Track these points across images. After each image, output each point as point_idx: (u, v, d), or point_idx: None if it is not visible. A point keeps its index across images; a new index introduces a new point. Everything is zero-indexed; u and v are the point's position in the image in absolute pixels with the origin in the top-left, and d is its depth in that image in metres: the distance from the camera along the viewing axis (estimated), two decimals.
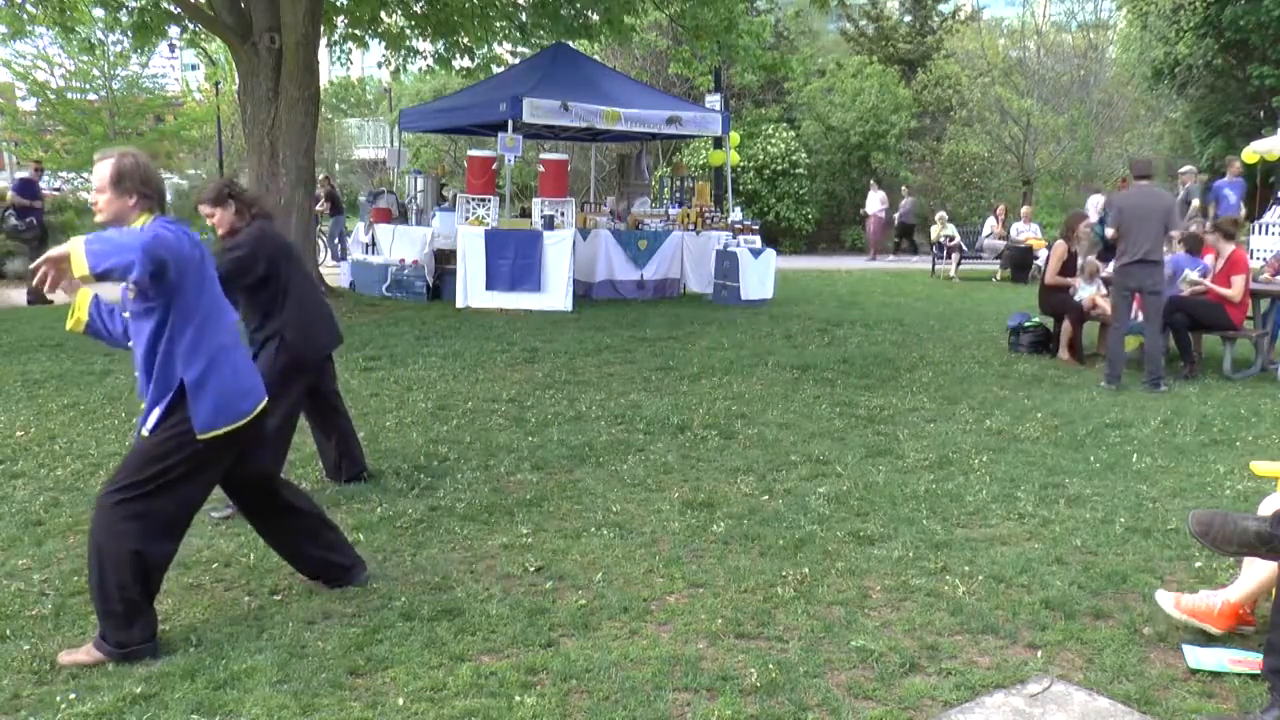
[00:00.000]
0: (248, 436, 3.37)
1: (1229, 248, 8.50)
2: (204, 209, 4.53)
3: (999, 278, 17.58)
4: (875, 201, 22.30)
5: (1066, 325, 9.07)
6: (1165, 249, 8.00)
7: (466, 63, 15.47)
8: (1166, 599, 3.50)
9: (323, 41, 13.32)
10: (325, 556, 3.75)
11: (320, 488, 4.99)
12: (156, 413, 3.23)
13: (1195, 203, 14.57)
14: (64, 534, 4.36)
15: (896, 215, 22.71)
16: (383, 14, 14.16)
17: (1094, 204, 17.38)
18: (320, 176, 16.73)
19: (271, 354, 4.56)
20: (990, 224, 18.68)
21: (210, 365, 3.23)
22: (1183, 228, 8.33)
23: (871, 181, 23.02)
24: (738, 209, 14.87)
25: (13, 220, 13.85)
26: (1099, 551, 4.25)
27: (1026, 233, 17.83)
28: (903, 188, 23.09)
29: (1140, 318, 8.24)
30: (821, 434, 6.22)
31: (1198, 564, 4.12)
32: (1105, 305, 8.76)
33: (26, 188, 14.34)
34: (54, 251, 3.00)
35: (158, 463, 3.21)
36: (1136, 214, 7.77)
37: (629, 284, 13.26)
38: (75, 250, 2.95)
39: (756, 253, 12.87)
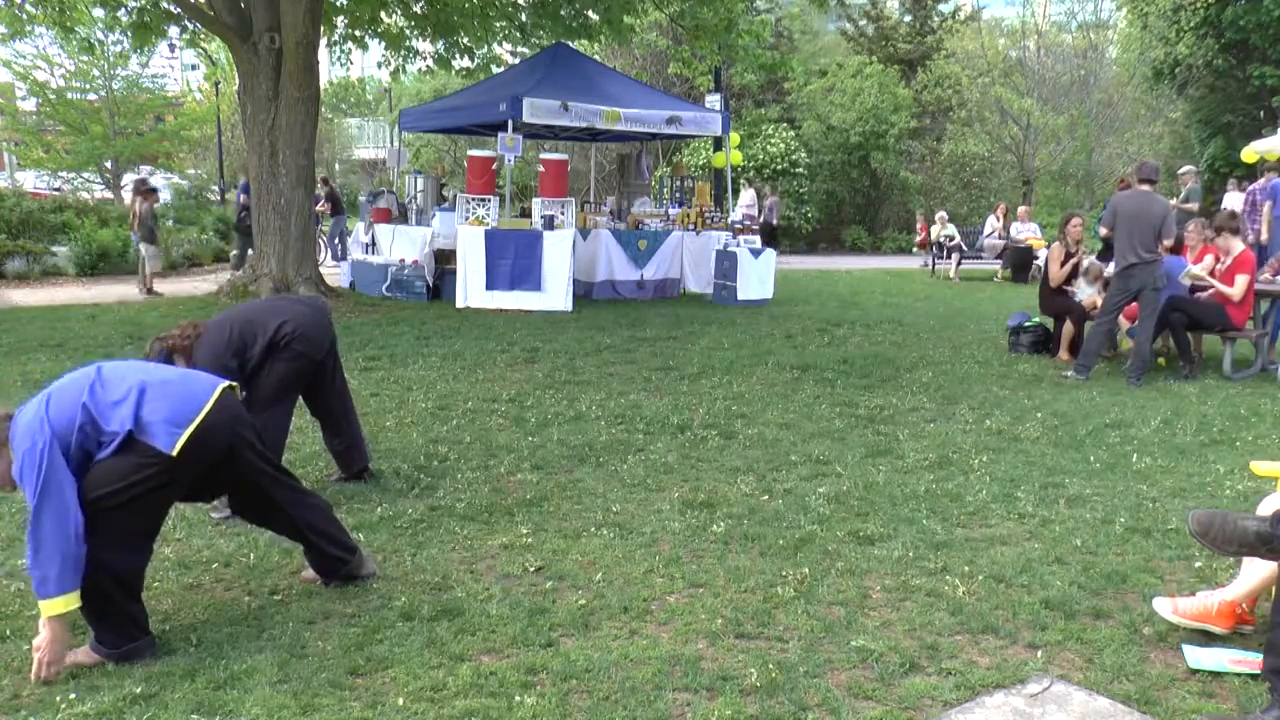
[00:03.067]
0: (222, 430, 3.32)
1: (1238, 246, 8.48)
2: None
3: (999, 277, 17.59)
4: (745, 199, 21.80)
5: (1068, 325, 9.07)
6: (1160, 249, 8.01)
7: (466, 63, 15.47)
8: (1164, 605, 3.50)
9: (323, 41, 13.33)
10: (327, 549, 3.73)
11: (320, 488, 4.99)
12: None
13: (1193, 205, 14.54)
14: None
15: (761, 215, 22.26)
16: (383, 14, 14.17)
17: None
18: (320, 177, 16.76)
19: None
20: (991, 223, 18.61)
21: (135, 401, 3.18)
22: (1177, 234, 8.31)
23: (744, 181, 22.22)
24: (738, 208, 14.87)
25: (245, 218, 14.81)
26: (1099, 551, 4.25)
27: (1026, 232, 17.81)
28: (766, 187, 22.33)
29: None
30: (821, 434, 6.22)
31: (1198, 564, 4.12)
32: None
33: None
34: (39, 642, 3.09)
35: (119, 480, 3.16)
36: (1130, 216, 7.79)
37: (629, 284, 13.27)
38: (44, 607, 3.04)
39: (756, 253, 12.88)
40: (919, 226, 21.07)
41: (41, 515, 3.02)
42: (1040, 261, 16.37)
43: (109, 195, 25.52)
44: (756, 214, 20.71)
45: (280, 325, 4.62)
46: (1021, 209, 19.27)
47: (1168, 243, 8.00)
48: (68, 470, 3.08)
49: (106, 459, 3.15)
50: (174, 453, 3.15)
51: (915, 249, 21.95)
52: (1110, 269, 9.34)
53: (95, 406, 3.16)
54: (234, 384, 3.51)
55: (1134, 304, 8.09)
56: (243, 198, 14.91)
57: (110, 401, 3.18)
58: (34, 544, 3.02)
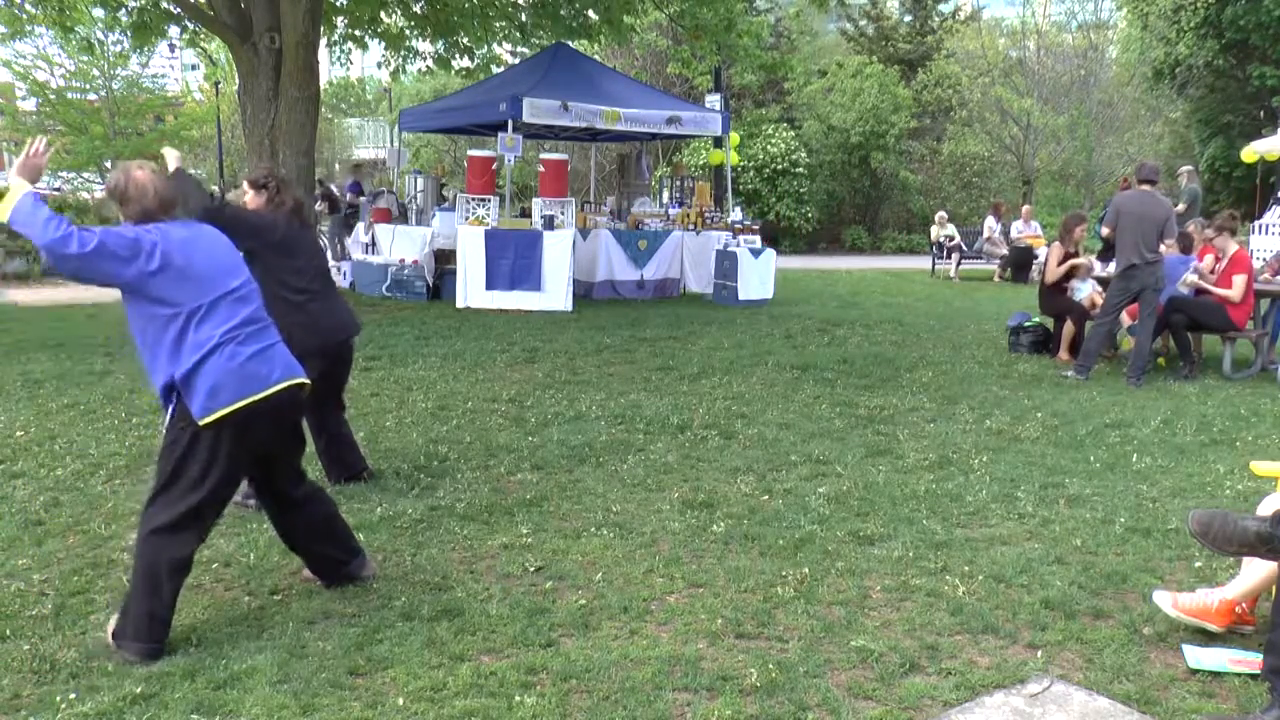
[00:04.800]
0: (265, 419, 3.35)
1: (1232, 247, 8.49)
2: (244, 186, 4.86)
3: (999, 277, 17.55)
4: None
5: (1068, 325, 9.06)
6: (1162, 249, 8.00)
7: (466, 63, 15.46)
8: (1164, 599, 3.50)
9: (323, 41, 13.32)
10: (330, 553, 3.76)
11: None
12: (166, 412, 3.35)
13: (1182, 206, 14.52)
14: (64, 534, 4.36)
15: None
16: (382, 14, 14.16)
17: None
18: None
19: None
20: (989, 224, 18.39)
21: (203, 359, 3.23)
22: (1177, 232, 8.31)
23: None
24: (738, 209, 14.87)
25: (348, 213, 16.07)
26: (1099, 551, 4.25)
27: (1027, 232, 17.70)
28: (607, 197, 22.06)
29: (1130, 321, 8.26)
30: (821, 434, 6.22)
31: (1198, 564, 4.12)
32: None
33: (356, 187, 17.77)
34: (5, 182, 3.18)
35: (169, 459, 3.30)
36: (1133, 217, 7.79)
37: (629, 284, 13.26)
38: (10, 197, 3.16)
39: (756, 253, 12.87)
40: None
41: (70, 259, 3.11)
42: (1040, 261, 16.37)
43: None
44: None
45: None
46: (1025, 208, 19.00)
47: (1169, 242, 8.01)
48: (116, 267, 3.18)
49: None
50: (206, 421, 3.22)
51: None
52: (1101, 267, 9.36)
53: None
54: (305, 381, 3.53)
55: (1135, 304, 8.09)
56: (349, 195, 16.52)
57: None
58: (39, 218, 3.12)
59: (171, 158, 4.19)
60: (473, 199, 12.16)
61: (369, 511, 4.65)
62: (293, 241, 4.75)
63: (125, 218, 3.34)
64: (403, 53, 15.36)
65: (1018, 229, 17.92)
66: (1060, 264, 9.24)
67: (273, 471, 3.63)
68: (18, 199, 3.16)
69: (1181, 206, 14.19)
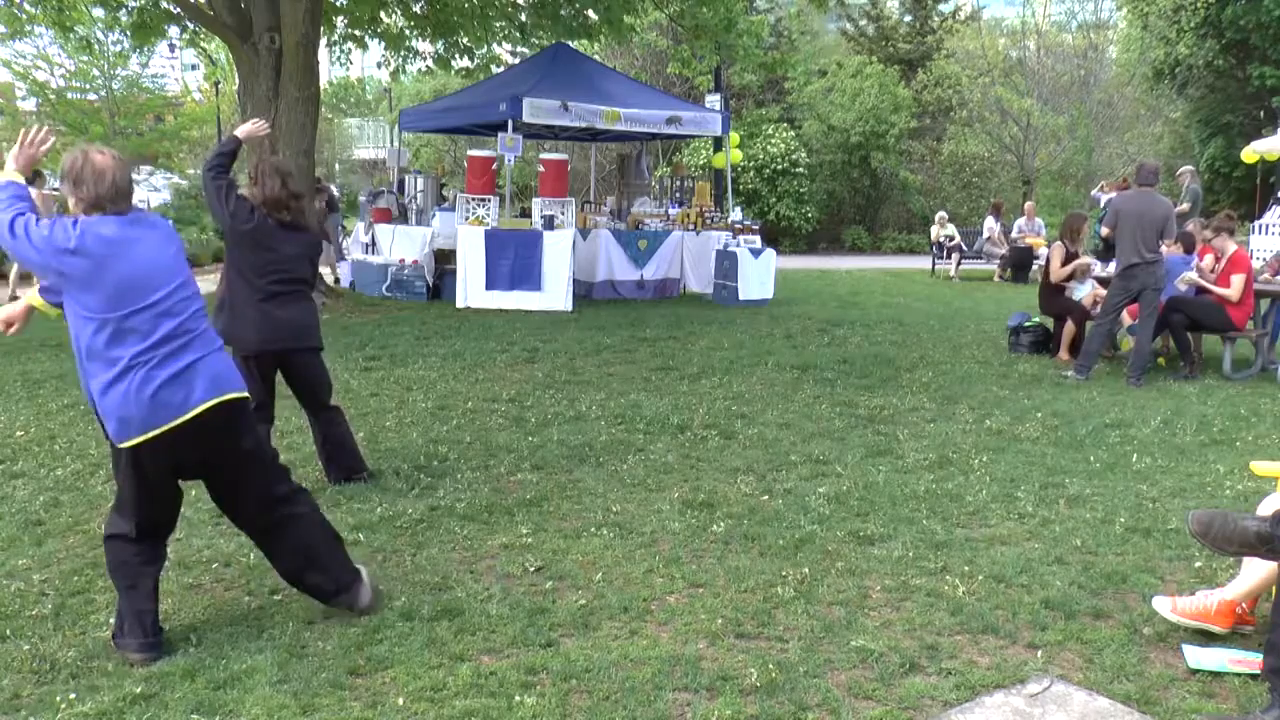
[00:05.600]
0: (188, 441, 3.18)
1: (1231, 247, 8.48)
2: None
3: (999, 277, 17.54)
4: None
5: (1068, 325, 9.06)
6: (1163, 248, 8.00)
7: (466, 63, 15.46)
8: (1164, 604, 3.50)
9: (323, 41, 13.32)
10: (316, 583, 3.52)
11: (320, 488, 4.98)
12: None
13: (1184, 206, 14.52)
14: (64, 534, 4.36)
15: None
16: (382, 14, 14.15)
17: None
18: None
19: None
20: (989, 225, 18.33)
21: (111, 382, 3.11)
22: (1176, 232, 8.31)
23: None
24: (738, 209, 14.87)
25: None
26: (1099, 551, 4.25)
27: (1029, 232, 17.59)
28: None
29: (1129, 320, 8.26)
30: (821, 434, 6.22)
31: (1198, 564, 4.12)
32: None
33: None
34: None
35: (114, 472, 3.33)
36: (1133, 217, 7.79)
37: (629, 284, 13.26)
38: None
39: (756, 253, 12.87)
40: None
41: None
42: (1041, 262, 16.35)
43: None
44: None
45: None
46: (1028, 205, 18.75)
47: (1169, 241, 8.00)
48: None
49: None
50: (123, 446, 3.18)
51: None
52: (1101, 267, 9.36)
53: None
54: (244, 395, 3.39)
55: (1135, 303, 8.08)
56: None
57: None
58: None
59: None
60: (473, 199, 12.16)
61: (369, 511, 4.65)
62: (262, 236, 4.65)
63: (75, 201, 3.18)
64: (403, 53, 15.36)
65: (1020, 227, 17.83)
66: (1064, 264, 9.23)
67: (228, 495, 3.44)
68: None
69: (1185, 206, 14.18)
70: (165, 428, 3.13)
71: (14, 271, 12.82)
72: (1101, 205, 16.15)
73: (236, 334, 4.69)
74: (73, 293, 3.12)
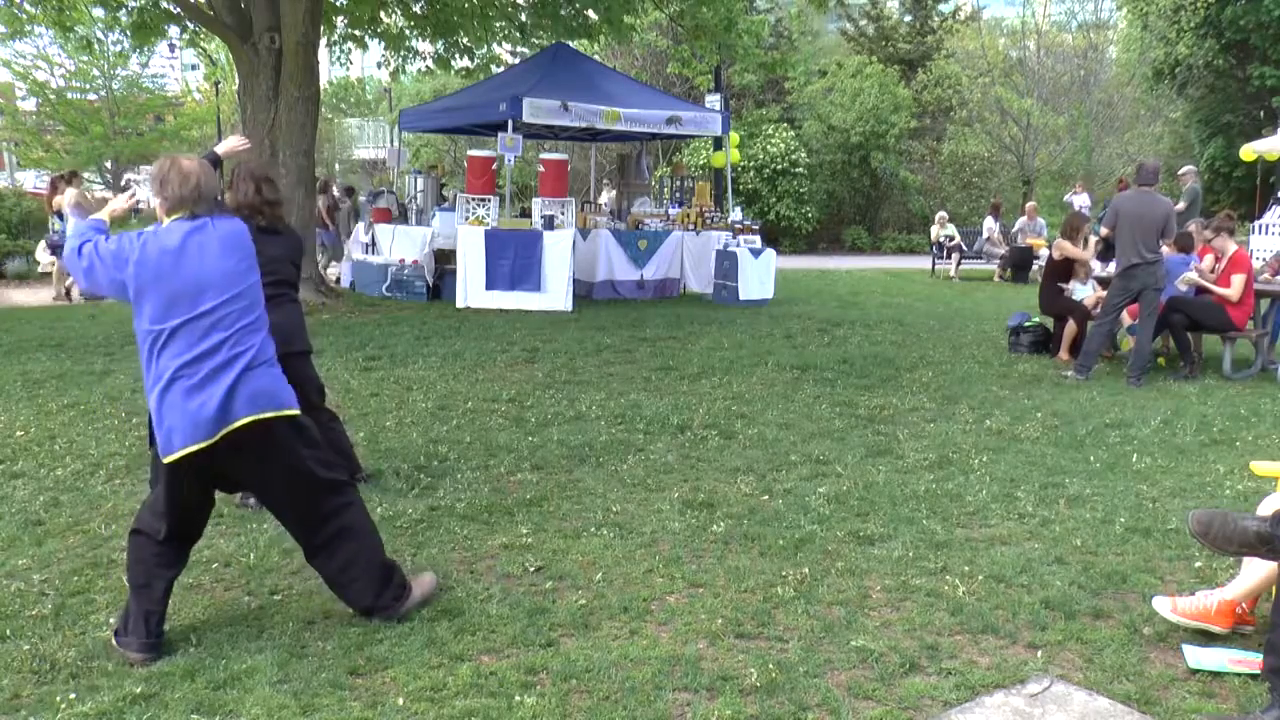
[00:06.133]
0: (225, 455, 3.21)
1: (1231, 247, 8.48)
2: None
3: (999, 277, 17.53)
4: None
5: (1070, 325, 9.06)
6: (1163, 248, 8.00)
7: (466, 63, 15.47)
8: (1164, 604, 3.50)
9: (323, 41, 13.32)
10: (353, 598, 3.51)
11: None
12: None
13: (1182, 205, 14.50)
14: (64, 534, 4.36)
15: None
16: (382, 14, 14.16)
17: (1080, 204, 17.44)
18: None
19: None
20: (989, 225, 18.30)
21: (162, 392, 3.16)
22: (1176, 231, 8.31)
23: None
24: (738, 209, 14.87)
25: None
26: (1099, 551, 4.25)
27: (1030, 232, 17.53)
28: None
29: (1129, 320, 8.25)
30: (821, 434, 6.22)
31: (1198, 564, 4.12)
32: None
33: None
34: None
35: (152, 470, 3.40)
36: (1132, 218, 7.79)
37: (629, 284, 13.26)
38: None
39: (756, 253, 12.87)
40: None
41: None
42: (1041, 263, 16.34)
43: (109, 195, 25.51)
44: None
45: None
46: (1029, 205, 18.62)
47: (1168, 241, 8.00)
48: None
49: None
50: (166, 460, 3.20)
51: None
52: (1101, 267, 9.36)
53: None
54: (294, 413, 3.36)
55: (1135, 303, 8.08)
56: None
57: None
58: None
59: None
60: (473, 199, 12.16)
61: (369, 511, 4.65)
62: None
63: (160, 203, 3.29)
64: (403, 53, 15.37)
65: (1020, 224, 17.72)
66: (1064, 260, 9.22)
67: (272, 509, 3.50)
68: (78, 224, 3.36)
69: (1182, 205, 14.18)
70: (203, 444, 3.15)
71: (58, 270, 12.83)
72: (1076, 208, 16.22)
73: None
74: (137, 304, 3.21)
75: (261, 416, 3.22)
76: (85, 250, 3.21)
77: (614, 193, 16.48)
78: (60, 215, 13.00)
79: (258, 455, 3.27)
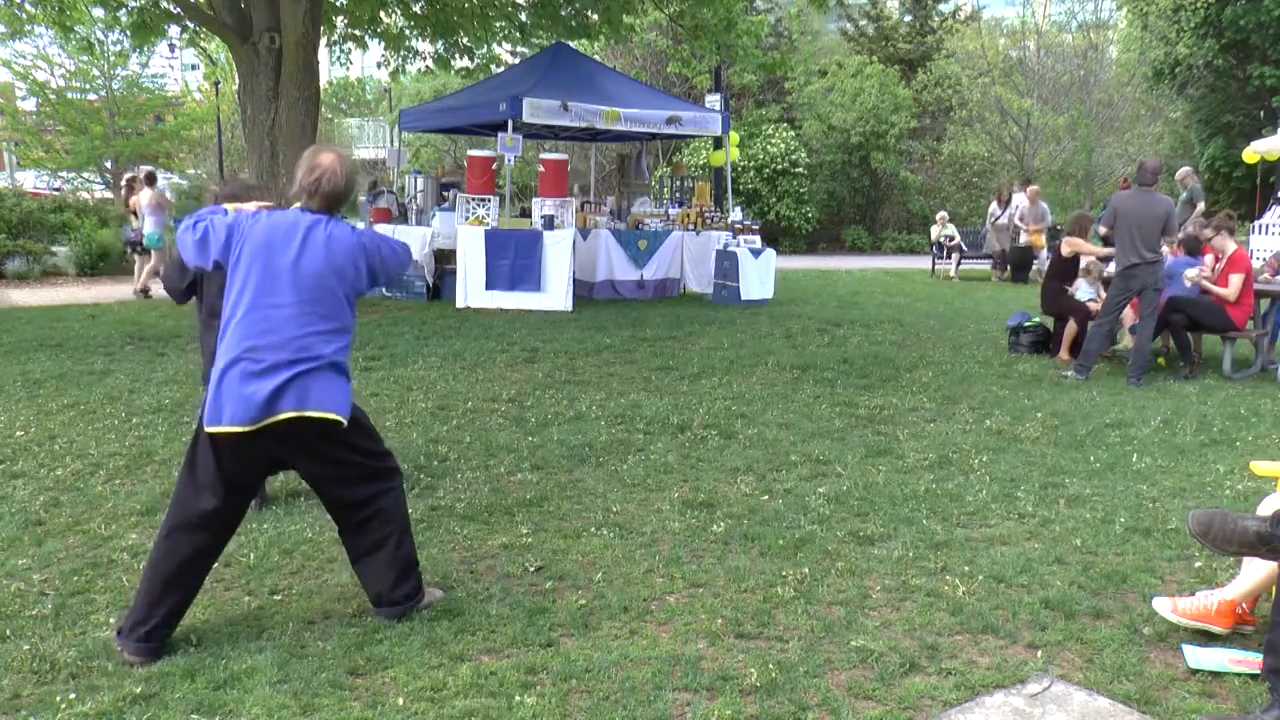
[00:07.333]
0: (266, 441, 3.24)
1: (1231, 246, 8.48)
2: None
3: (998, 278, 17.50)
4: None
5: (1071, 325, 9.05)
6: (1164, 248, 8.01)
7: (466, 63, 15.46)
8: (1164, 605, 3.50)
9: (323, 41, 13.32)
10: (369, 584, 3.54)
11: None
12: None
13: (1201, 205, 14.51)
14: (64, 534, 4.36)
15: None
16: (382, 14, 14.15)
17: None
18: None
19: None
20: (993, 209, 17.87)
21: (225, 368, 3.23)
22: (1180, 231, 8.31)
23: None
24: (738, 209, 14.87)
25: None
26: (1099, 551, 4.25)
27: (1032, 219, 17.12)
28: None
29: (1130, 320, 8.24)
30: (821, 434, 6.22)
31: (1198, 564, 4.12)
32: None
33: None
34: None
35: (188, 450, 3.38)
36: (1132, 217, 7.79)
37: (629, 284, 13.26)
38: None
39: (756, 253, 12.87)
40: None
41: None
42: (1040, 264, 16.31)
43: (109, 195, 25.52)
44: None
45: None
46: (1032, 189, 17.71)
47: (1170, 240, 8.00)
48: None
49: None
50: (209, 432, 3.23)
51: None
52: (1102, 268, 9.36)
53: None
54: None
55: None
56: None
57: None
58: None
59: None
60: (473, 199, 12.16)
61: None
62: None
63: (296, 189, 3.38)
64: (403, 53, 15.36)
65: (1020, 209, 17.07)
66: (1064, 259, 9.21)
67: (321, 492, 3.50)
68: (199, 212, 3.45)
69: (1201, 205, 14.19)
70: (249, 428, 3.18)
71: (139, 266, 12.81)
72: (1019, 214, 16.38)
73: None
74: (231, 276, 3.28)
75: (307, 414, 3.23)
76: (200, 226, 3.31)
77: (613, 196, 16.45)
78: (136, 214, 13.05)
79: (301, 449, 3.35)
